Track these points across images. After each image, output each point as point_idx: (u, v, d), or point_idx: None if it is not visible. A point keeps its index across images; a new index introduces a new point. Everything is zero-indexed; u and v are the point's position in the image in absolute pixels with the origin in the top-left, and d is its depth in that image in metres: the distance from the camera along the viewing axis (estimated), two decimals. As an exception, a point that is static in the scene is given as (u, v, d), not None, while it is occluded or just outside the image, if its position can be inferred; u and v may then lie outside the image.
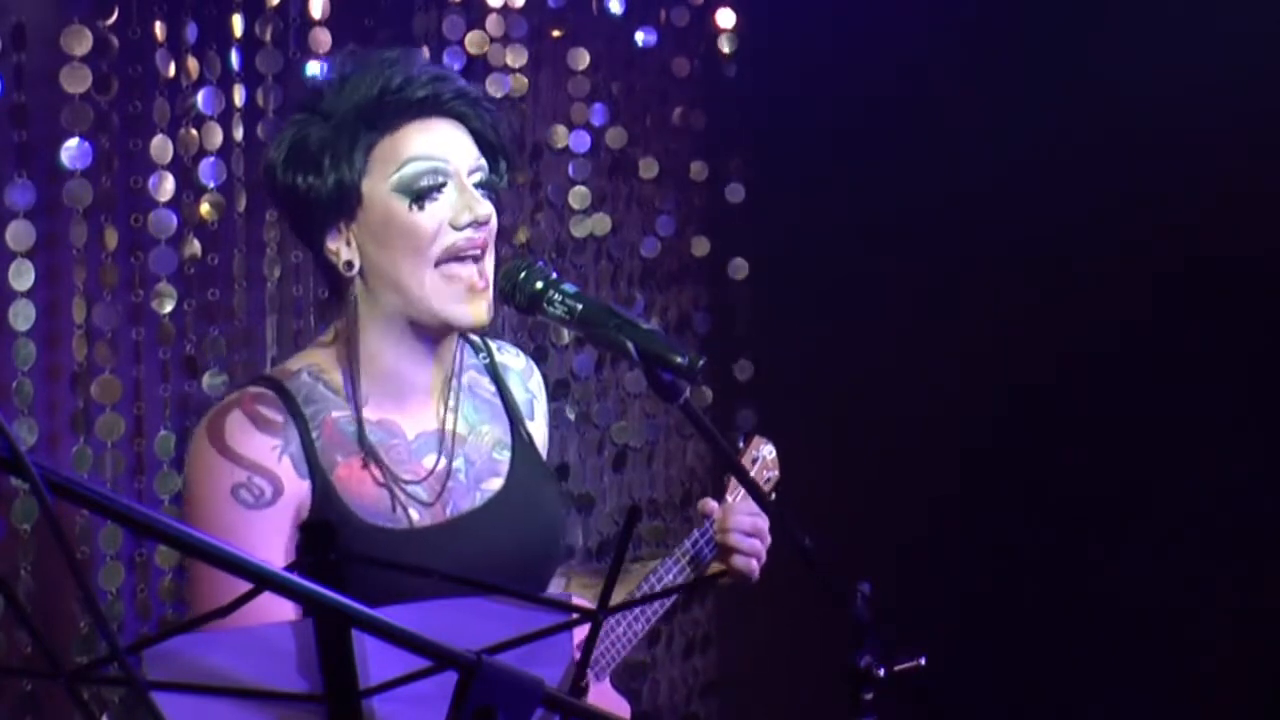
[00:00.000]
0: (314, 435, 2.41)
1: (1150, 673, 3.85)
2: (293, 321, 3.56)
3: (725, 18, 4.23)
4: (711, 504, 2.84)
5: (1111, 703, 3.90)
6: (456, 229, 2.41)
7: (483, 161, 2.46)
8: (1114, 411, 3.90)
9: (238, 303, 3.49)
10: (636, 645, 2.89)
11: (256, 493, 2.36)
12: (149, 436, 3.37)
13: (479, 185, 2.45)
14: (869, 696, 2.32)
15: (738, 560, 2.77)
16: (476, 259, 2.43)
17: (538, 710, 1.52)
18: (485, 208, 2.43)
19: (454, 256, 2.41)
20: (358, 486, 2.42)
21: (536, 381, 2.71)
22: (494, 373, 2.64)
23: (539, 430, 2.66)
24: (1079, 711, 3.96)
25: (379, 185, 2.41)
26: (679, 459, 4.29)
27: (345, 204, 2.43)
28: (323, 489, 2.40)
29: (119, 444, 3.31)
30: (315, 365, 2.48)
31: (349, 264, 2.44)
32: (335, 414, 2.44)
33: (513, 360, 2.69)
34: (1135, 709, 3.87)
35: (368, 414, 2.45)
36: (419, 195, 2.40)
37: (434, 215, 2.41)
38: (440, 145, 2.43)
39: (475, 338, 2.65)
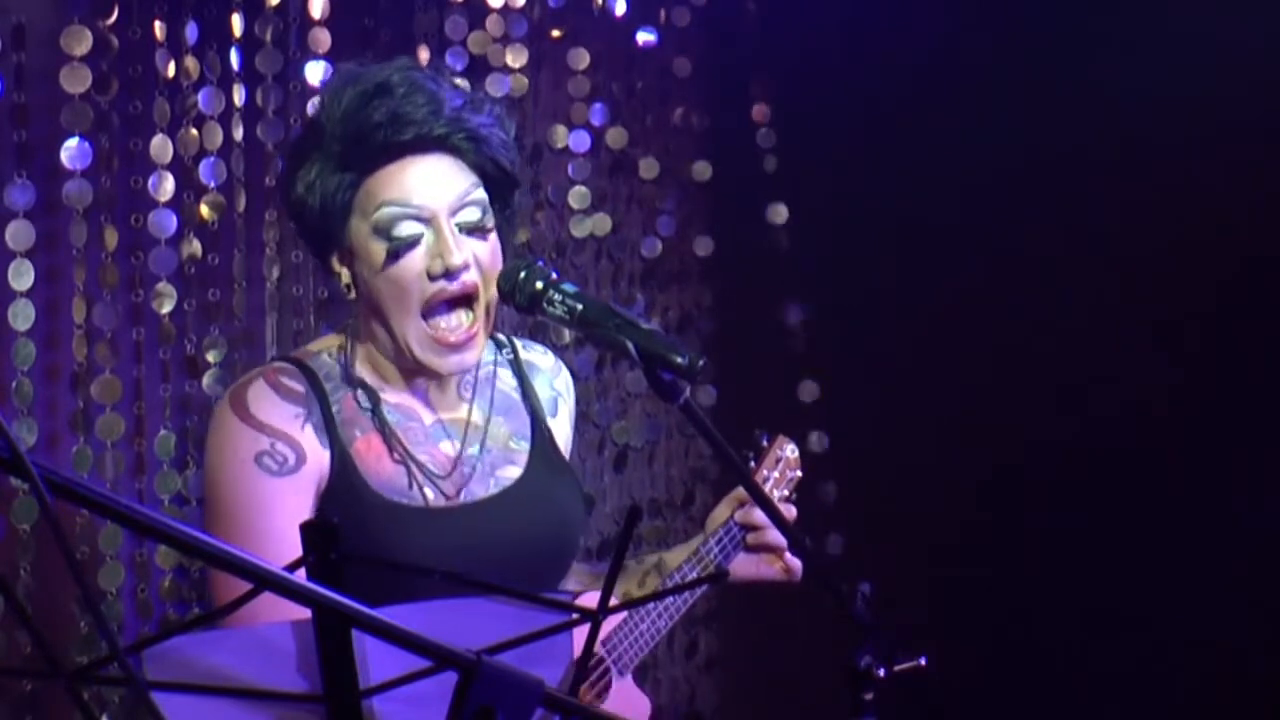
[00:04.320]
0: (334, 409, 2.46)
1: (1153, 674, 3.84)
2: (293, 321, 3.56)
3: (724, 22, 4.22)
4: (742, 492, 2.82)
5: (1113, 704, 3.89)
6: (431, 279, 2.41)
7: (476, 195, 2.44)
8: (1123, 412, 3.89)
9: (238, 303, 3.48)
10: (658, 643, 2.89)
11: (280, 459, 2.40)
12: (149, 436, 3.37)
13: (465, 227, 2.42)
14: (869, 696, 2.32)
15: (788, 559, 2.80)
16: (464, 304, 2.43)
17: (538, 710, 1.52)
18: (458, 257, 2.40)
19: (435, 308, 2.42)
20: (375, 461, 2.45)
21: (564, 381, 2.73)
22: (517, 368, 2.66)
23: (561, 428, 2.68)
24: (1080, 712, 3.95)
25: (362, 226, 2.42)
26: (680, 459, 4.29)
27: (334, 239, 2.46)
28: (341, 460, 2.43)
29: (119, 444, 3.31)
30: (332, 351, 2.53)
31: (348, 287, 2.50)
32: (355, 392, 2.49)
33: (540, 358, 2.71)
34: (1137, 710, 3.87)
35: (387, 396, 2.50)
36: (395, 249, 2.40)
37: (409, 268, 2.41)
38: (418, 188, 2.40)
39: (499, 335, 2.68)
